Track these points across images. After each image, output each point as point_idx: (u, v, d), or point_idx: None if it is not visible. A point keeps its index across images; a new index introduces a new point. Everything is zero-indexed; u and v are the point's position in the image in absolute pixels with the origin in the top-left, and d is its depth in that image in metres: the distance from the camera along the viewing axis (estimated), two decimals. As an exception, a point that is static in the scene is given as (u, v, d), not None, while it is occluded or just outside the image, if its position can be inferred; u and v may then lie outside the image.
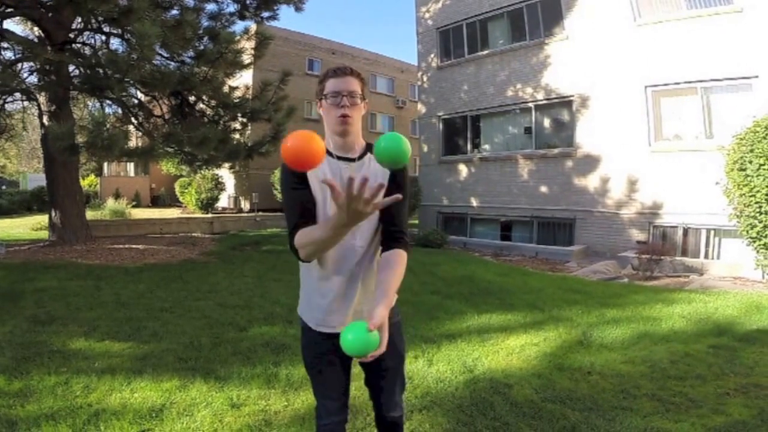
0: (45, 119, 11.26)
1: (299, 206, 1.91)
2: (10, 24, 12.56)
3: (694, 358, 4.41)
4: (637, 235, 11.41)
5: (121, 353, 4.35)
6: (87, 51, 11.41)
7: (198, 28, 10.44)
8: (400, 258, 1.93)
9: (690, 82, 10.46)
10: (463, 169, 15.56)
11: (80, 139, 9.28)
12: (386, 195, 1.71)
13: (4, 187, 32.92)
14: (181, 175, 25.00)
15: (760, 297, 7.03)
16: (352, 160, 1.98)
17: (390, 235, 1.98)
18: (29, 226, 16.86)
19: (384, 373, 2.18)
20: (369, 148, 1.99)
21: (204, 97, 11.83)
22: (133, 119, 11.89)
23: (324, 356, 2.07)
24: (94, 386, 3.59)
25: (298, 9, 12.17)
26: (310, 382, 2.22)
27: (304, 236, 1.81)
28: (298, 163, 1.53)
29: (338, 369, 2.11)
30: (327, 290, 2.01)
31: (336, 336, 1.75)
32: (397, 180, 1.98)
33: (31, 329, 4.93)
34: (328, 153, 1.95)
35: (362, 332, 1.62)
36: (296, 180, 1.92)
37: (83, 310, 5.76)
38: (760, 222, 7.39)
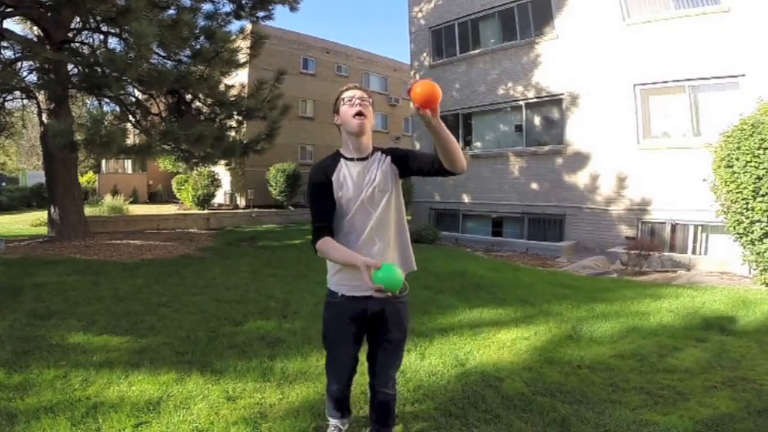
0: (44, 117, 11.29)
1: (322, 210, 2.34)
2: (9, 23, 12.54)
3: (681, 352, 4.44)
4: (626, 231, 11.51)
5: (119, 347, 4.37)
6: (85, 50, 11.44)
7: (194, 27, 10.47)
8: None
9: (678, 81, 10.55)
10: (455, 166, 15.57)
11: (79, 136, 9.32)
12: (403, 166, 2.40)
13: (3, 184, 32.87)
14: (178, 172, 25.01)
15: (746, 292, 7.09)
16: (365, 159, 2.39)
17: (432, 160, 2.30)
18: (29, 222, 16.88)
19: (388, 345, 2.48)
20: (374, 149, 2.44)
21: (200, 96, 11.87)
22: (130, 117, 11.91)
23: (344, 329, 2.46)
24: (92, 379, 3.61)
25: (292, 9, 12.22)
26: (325, 351, 2.64)
27: (325, 247, 2.25)
28: (427, 103, 2.03)
29: (351, 342, 2.49)
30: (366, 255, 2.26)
31: (364, 299, 2.31)
32: (398, 152, 2.44)
33: (31, 323, 4.95)
34: (344, 158, 2.38)
35: (392, 271, 2.00)
36: (323, 186, 2.35)
37: (82, 304, 5.78)
38: (747, 218, 7.46)
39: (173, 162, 21.92)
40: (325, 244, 2.25)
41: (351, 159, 2.39)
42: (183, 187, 23.53)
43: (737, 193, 7.53)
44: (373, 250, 2.33)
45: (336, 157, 2.41)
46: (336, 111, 2.40)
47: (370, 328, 2.49)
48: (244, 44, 11.65)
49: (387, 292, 2.01)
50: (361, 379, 3.26)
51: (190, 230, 15.67)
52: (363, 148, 2.38)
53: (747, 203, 7.42)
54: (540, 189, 13.32)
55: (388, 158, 2.41)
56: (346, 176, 2.35)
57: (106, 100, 12.02)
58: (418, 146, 16.94)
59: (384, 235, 2.38)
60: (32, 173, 33.68)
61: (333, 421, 2.79)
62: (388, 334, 2.46)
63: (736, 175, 7.54)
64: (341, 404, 2.74)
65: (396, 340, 2.49)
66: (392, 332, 2.46)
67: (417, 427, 3.07)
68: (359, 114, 2.30)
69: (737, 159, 7.52)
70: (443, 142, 2.10)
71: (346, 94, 2.36)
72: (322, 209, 2.33)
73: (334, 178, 2.34)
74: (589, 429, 3.04)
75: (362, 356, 2.64)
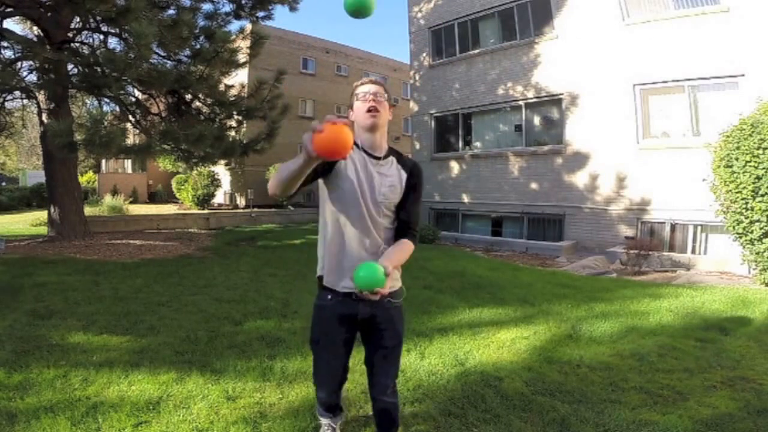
0: (44, 117, 11.30)
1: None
2: (9, 23, 12.57)
3: (681, 352, 4.45)
4: (626, 230, 11.52)
5: (119, 347, 4.37)
6: (85, 50, 11.43)
7: (194, 27, 10.46)
8: (406, 245, 2.29)
9: (678, 81, 10.57)
10: (454, 166, 15.63)
11: (78, 136, 9.33)
12: (402, 196, 2.25)
13: (3, 184, 32.91)
14: (178, 172, 25.02)
15: (746, 291, 7.11)
16: (378, 158, 2.25)
17: (403, 228, 2.33)
18: (28, 222, 16.88)
19: (383, 351, 2.39)
20: (392, 151, 2.31)
21: (200, 96, 11.86)
22: (130, 117, 11.91)
23: (334, 334, 2.38)
24: (92, 379, 3.60)
25: (292, 9, 12.22)
26: (313, 358, 2.57)
27: (275, 175, 2.00)
28: (328, 154, 1.65)
29: (341, 347, 2.41)
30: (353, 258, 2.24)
31: (354, 302, 2.24)
32: (412, 182, 2.31)
33: (31, 323, 4.94)
34: (357, 146, 2.23)
35: (373, 270, 1.94)
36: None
37: (82, 304, 5.79)
38: (746, 218, 7.47)
39: (173, 162, 21.93)
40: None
41: (365, 152, 2.26)
42: (183, 187, 23.53)
43: (737, 192, 7.54)
44: (363, 255, 2.23)
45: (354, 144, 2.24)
46: (350, 106, 2.31)
47: (363, 334, 2.42)
48: (244, 44, 11.64)
49: (370, 292, 1.96)
50: (361, 379, 3.28)
51: (190, 230, 15.67)
52: (376, 146, 2.27)
53: (746, 203, 7.43)
54: (539, 189, 13.33)
55: (405, 175, 2.31)
56: (351, 164, 2.21)
57: (106, 100, 12.03)
58: (417, 146, 16.98)
59: (380, 245, 2.29)
60: (32, 173, 33.74)
61: (324, 420, 2.75)
62: (381, 341, 2.37)
63: (735, 175, 7.55)
64: (331, 408, 2.71)
65: (390, 347, 2.40)
66: (386, 339, 2.37)
67: (417, 427, 3.07)
68: (372, 109, 2.19)
69: (737, 159, 7.53)
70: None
71: (361, 89, 2.26)
72: None
73: (337, 164, 2.19)
74: (588, 428, 3.05)
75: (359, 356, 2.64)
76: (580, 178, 12.47)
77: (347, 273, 2.18)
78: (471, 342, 4.71)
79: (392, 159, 2.32)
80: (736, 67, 9.61)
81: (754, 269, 8.05)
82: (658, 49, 10.76)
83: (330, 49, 28.07)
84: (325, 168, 2.13)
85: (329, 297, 2.33)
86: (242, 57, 11.52)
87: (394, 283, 2.32)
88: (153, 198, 29.84)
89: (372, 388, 2.48)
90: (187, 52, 11.13)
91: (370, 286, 1.93)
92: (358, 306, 2.27)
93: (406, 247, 2.28)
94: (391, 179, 2.27)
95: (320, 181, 2.25)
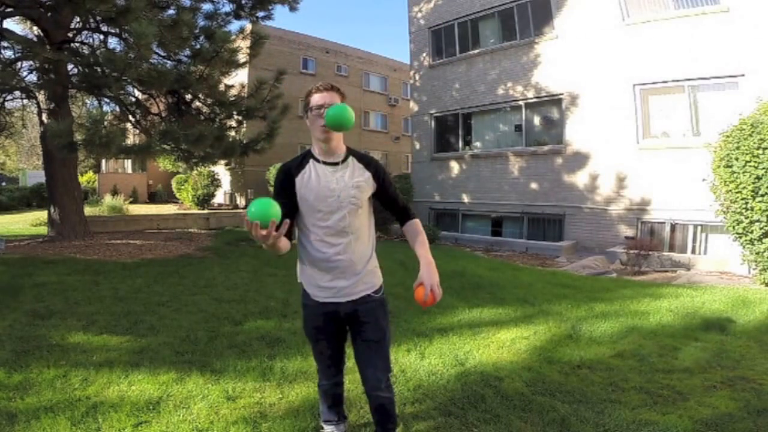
0: (44, 117, 11.30)
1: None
2: (9, 23, 12.56)
3: (681, 352, 4.44)
4: (626, 230, 11.54)
5: (119, 347, 4.37)
6: (85, 50, 11.42)
7: (194, 27, 10.45)
8: (418, 225, 2.54)
9: (678, 81, 10.58)
10: (454, 166, 15.64)
11: (78, 136, 9.33)
12: (379, 191, 2.39)
13: (3, 184, 32.92)
14: (178, 172, 25.03)
15: (746, 291, 7.11)
16: (336, 164, 2.32)
17: (400, 213, 2.54)
18: (28, 222, 16.88)
19: (367, 344, 2.46)
20: (350, 152, 2.37)
21: (200, 96, 11.85)
22: (130, 117, 11.91)
23: (321, 328, 2.50)
24: (92, 379, 3.60)
25: (292, 9, 12.21)
26: (311, 350, 2.68)
27: None
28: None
29: (332, 338, 2.53)
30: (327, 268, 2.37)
31: (333, 303, 2.38)
32: (379, 176, 2.42)
33: (31, 323, 4.94)
34: (314, 158, 2.34)
35: (264, 203, 1.93)
36: (285, 186, 2.33)
37: (82, 304, 5.78)
38: (746, 218, 7.47)
39: (173, 162, 21.94)
40: None
41: (320, 161, 2.34)
42: (183, 187, 23.55)
43: (736, 192, 7.55)
44: (345, 267, 2.36)
45: (306, 157, 2.38)
46: (305, 111, 2.34)
47: (350, 330, 2.51)
48: (243, 44, 11.63)
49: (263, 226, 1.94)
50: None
51: (190, 230, 15.67)
52: (332, 152, 2.34)
53: (746, 203, 7.43)
54: (539, 189, 13.34)
55: (368, 174, 2.39)
56: (312, 178, 2.31)
57: (106, 100, 12.02)
58: (417, 146, 16.97)
59: (356, 252, 2.38)
60: (32, 173, 33.73)
61: (328, 428, 2.77)
62: (364, 334, 2.45)
63: (735, 175, 7.56)
64: (334, 402, 2.73)
65: (375, 340, 2.46)
66: (368, 332, 2.44)
67: (417, 427, 3.07)
68: (325, 125, 2.21)
69: (736, 159, 7.53)
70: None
71: (313, 100, 2.29)
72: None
73: (297, 179, 2.32)
74: (588, 429, 3.04)
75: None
76: (580, 178, 12.47)
77: (326, 283, 2.37)
78: (471, 342, 4.70)
79: (351, 160, 2.38)
80: (736, 67, 9.62)
81: (754, 269, 8.06)
82: (658, 49, 10.76)
83: (330, 49, 28.09)
84: (291, 196, 2.31)
85: (311, 295, 2.45)
86: (242, 57, 11.50)
87: (373, 284, 2.46)
88: (153, 198, 29.85)
89: (365, 384, 2.52)
90: (187, 52, 11.12)
91: (266, 218, 1.92)
92: (339, 306, 2.39)
93: (418, 230, 2.51)
94: (357, 180, 2.35)
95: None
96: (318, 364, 2.67)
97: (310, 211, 2.32)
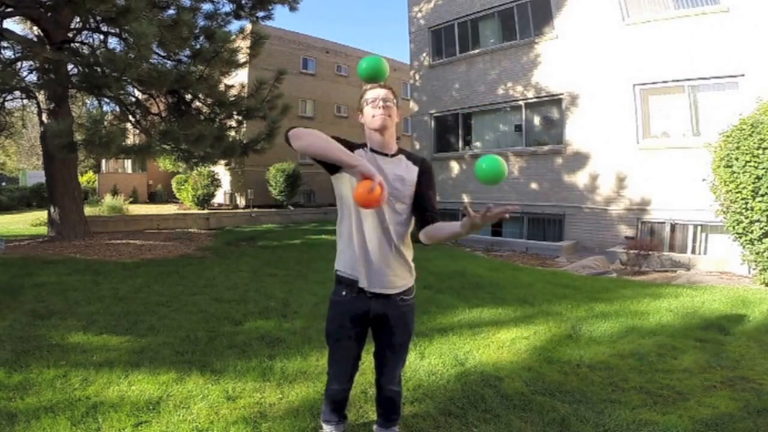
0: (44, 117, 11.33)
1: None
2: (9, 23, 12.56)
3: (681, 352, 4.44)
4: (626, 230, 11.53)
5: (119, 347, 4.37)
6: (85, 50, 11.43)
7: (194, 27, 10.48)
8: (444, 224, 2.36)
9: (678, 81, 10.57)
10: (454, 166, 15.64)
11: (78, 136, 9.35)
12: (419, 189, 2.36)
13: (3, 184, 32.93)
14: (178, 172, 25.04)
15: (746, 291, 7.11)
16: (386, 155, 2.37)
17: (432, 218, 2.39)
18: (28, 222, 16.90)
19: (393, 348, 2.49)
20: (402, 151, 2.44)
21: (200, 96, 11.87)
22: (130, 117, 11.93)
23: (347, 329, 2.44)
24: (92, 379, 3.60)
25: (292, 9, 12.24)
26: (328, 350, 2.59)
27: (315, 133, 2.16)
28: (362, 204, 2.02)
29: (354, 341, 2.48)
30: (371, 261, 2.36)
31: (368, 299, 2.34)
32: (424, 175, 2.42)
33: (31, 323, 4.95)
34: (368, 148, 2.37)
35: (494, 161, 1.98)
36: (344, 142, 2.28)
37: (82, 304, 5.78)
38: (746, 218, 7.46)
39: (173, 162, 21.92)
40: (314, 131, 2.18)
41: (375, 151, 2.37)
42: (183, 187, 23.55)
43: (736, 192, 7.54)
44: (381, 256, 2.34)
45: (361, 146, 2.40)
46: (359, 110, 2.39)
47: (374, 330, 2.49)
48: (244, 44, 11.65)
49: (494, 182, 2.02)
50: (360, 379, 3.28)
51: (190, 230, 15.69)
52: (385, 145, 2.37)
53: (746, 203, 7.43)
54: (540, 189, 13.34)
55: (417, 169, 2.41)
56: (364, 157, 2.29)
57: (106, 100, 12.03)
58: (417, 146, 16.97)
59: (394, 239, 2.37)
60: (32, 173, 33.76)
61: (327, 428, 2.72)
62: (393, 338, 2.46)
63: (735, 175, 7.55)
64: (339, 406, 2.69)
65: (401, 343, 2.50)
66: (397, 335, 2.46)
67: (417, 427, 3.08)
68: (382, 114, 2.29)
69: (736, 159, 7.53)
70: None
71: (370, 94, 2.34)
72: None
73: (356, 152, 2.30)
74: (588, 428, 3.04)
75: (367, 355, 2.66)
76: (580, 178, 12.47)
77: (361, 268, 2.33)
78: (471, 342, 4.71)
79: (402, 156, 2.42)
80: (736, 67, 9.61)
81: (754, 269, 8.05)
82: (658, 49, 10.76)
83: (330, 49, 28.09)
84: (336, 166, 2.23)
85: (344, 293, 2.41)
86: (242, 57, 11.53)
87: (407, 281, 2.44)
88: (153, 198, 29.88)
89: (380, 377, 2.57)
90: (187, 52, 11.15)
91: (497, 177, 1.98)
92: (371, 303, 2.36)
93: (445, 225, 2.36)
94: (401, 173, 2.36)
95: (335, 180, 2.37)
96: (332, 368, 2.60)
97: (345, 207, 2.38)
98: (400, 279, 2.39)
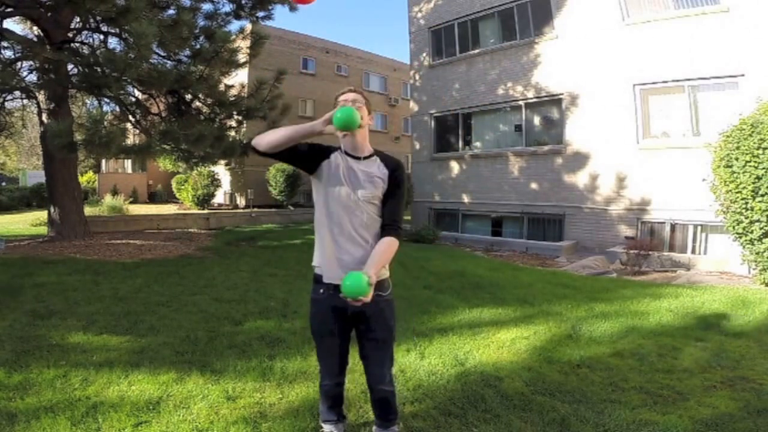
0: (44, 117, 11.32)
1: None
2: (9, 23, 12.56)
3: (681, 352, 4.45)
4: (626, 230, 11.53)
5: (119, 347, 4.37)
6: (85, 50, 11.42)
7: (194, 27, 10.47)
8: (390, 242, 2.41)
9: (678, 81, 10.58)
10: (454, 166, 15.64)
11: (78, 136, 9.35)
12: (385, 192, 2.42)
13: (3, 184, 32.93)
14: (178, 172, 25.01)
15: (746, 291, 7.12)
16: (359, 158, 2.46)
17: (386, 224, 2.47)
18: (28, 222, 16.88)
19: (375, 343, 2.52)
20: (377, 152, 2.53)
21: (200, 96, 11.85)
22: (130, 117, 11.91)
23: (328, 325, 2.53)
24: (92, 379, 3.61)
25: (292, 9, 12.22)
26: (316, 347, 2.69)
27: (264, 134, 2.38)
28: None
29: (337, 336, 2.55)
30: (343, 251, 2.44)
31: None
32: (395, 178, 2.48)
33: (31, 323, 4.95)
34: (342, 151, 2.48)
35: (358, 279, 2.12)
36: (311, 147, 2.48)
37: (82, 304, 5.79)
38: (746, 218, 7.47)
39: (173, 162, 21.90)
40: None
41: (348, 154, 2.47)
42: (183, 187, 23.52)
43: (736, 192, 7.54)
44: (357, 253, 2.41)
45: (337, 149, 2.52)
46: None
47: (356, 327, 2.55)
48: (243, 44, 11.64)
49: (353, 299, 2.14)
50: (360, 379, 3.28)
51: (190, 230, 15.68)
52: (357, 147, 2.47)
53: (746, 203, 7.43)
54: (539, 189, 13.34)
55: (387, 171, 2.48)
56: (340, 165, 2.44)
57: (106, 100, 12.02)
58: (417, 146, 16.98)
59: (367, 239, 2.44)
60: (32, 173, 33.76)
61: (327, 427, 2.77)
62: (372, 333, 2.50)
63: (735, 175, 7.55)
64: (334, 402, 2.74)
65: (382, 339, 2.53)
66: (377, 331, 2.50)
67: (416, 427, 3.07)
68: None
69: (736, 159, 7.53)
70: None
71: (341, 98, 2.47)
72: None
73: (324, 163, 2.45)
74: (588, 428, 3.05)
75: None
76: (580, 178, 12.47)
77: (336, 265, 2.42)
78: (471, 342, 4.71)
79: (376, 158, 2.51)
80: (736, 67, 9.61)
81: (754, 269, 8.06)
82: (658, 49, 10.76)
83: (330, 49, 28.07)
84: (310, 156, 2.47)
85: (321, 291, 2.51)
86: (242, 57, 11.52)
87: (380, 278, 2.45)
88: (153, 198, 29.84)
89: (369, 378, 2.60)
90: (187, 52, 11.13)
91: (354, 295, 2.11)
92: (346, 300, 2.36)
93: (388, 247, 2.40)
94: (374, 174, 2.45)
95: (313, 180, 2.52)
96: (321, 363, 2.69)
97: (331, 195, 2.45)
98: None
